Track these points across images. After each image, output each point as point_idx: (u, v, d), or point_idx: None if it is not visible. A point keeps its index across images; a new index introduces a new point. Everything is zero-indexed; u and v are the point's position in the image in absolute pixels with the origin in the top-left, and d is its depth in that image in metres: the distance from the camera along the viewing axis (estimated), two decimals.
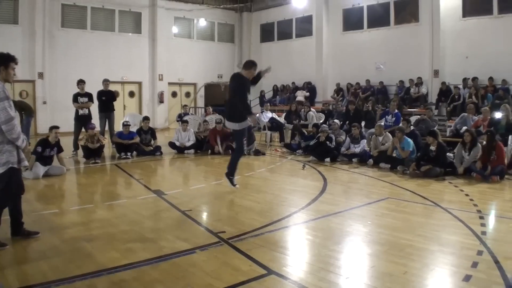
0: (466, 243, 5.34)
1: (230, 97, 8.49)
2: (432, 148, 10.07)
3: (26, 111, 14.85)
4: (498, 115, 12.14)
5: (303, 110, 17.24)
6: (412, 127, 12.36)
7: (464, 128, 12.14)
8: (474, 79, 16.18)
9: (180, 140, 14.13)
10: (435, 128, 12.07)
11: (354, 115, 14.74)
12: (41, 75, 19.50)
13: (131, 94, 23.35)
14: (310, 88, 22.67)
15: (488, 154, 9.59)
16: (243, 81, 8.24)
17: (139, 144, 13.25)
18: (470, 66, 17.05)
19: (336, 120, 14.28)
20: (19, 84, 18.98)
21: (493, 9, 16.73)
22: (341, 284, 4.22)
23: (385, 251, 5.05)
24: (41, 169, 9.76)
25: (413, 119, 14.27)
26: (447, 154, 10.48)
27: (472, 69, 16.84)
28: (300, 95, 21.73)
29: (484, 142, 9.96)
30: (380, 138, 11.71)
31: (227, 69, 26.81)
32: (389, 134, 11.71)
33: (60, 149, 10.40)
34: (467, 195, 8.13)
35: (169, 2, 23.84)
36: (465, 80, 16.70)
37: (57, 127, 10.25)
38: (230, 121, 8.30)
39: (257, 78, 8.53)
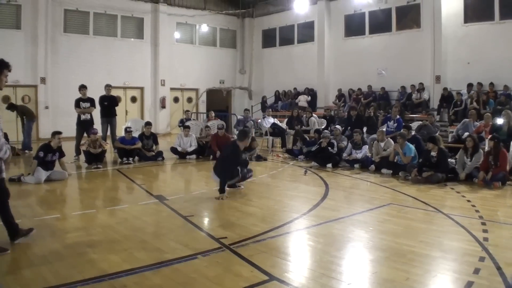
0: (468, 249, 5.33)
1: (222, 158, 9.04)
2: (433, 154, 10.06)
3: (27, 115, 14.91)
4: (499, 121, 12.13)
5: (305, 115, 17.25)
6: (413, 132, 12.38)
7: (466, 134, 12.13)
8: (477, 85, 16.16)
9: (182, 146, 14.13)
10: (436, 134, 12.05)
11: (355, 121, 14.75)
12: (43, 80, 19.54)
13: (133, 99, 23.40)
14: (311, 94, 22.70)
15: (494, 161, 9.57)
16: (236, 152, 8.65)
17: (141, 149, 13.26)
18: (472, 72, 17.05)
19: (337, 126, 14.26)
20: (21, 89, 19.05)
21: (494, 15, 16.74)
22: None
23: (387, 257, 5.05)
24: (43, 174, 9.75)
25: (415, 125, 14.26)
26: (449, 160, 10.46)
27: (474, 74, 16.85)
28: (303, 100, 21.80)
29: (487, 148, 9.95)
30: (382, 144, 11.71)
31: (229, 75, 26.94)
32: (391, 140, 11.70)
33: (62, 154, 10.40)
34: (469, 201, 8.13)
35: (171, 7, 23.93)
36: (469, 85, 16.70)
37: (59, 133, 10.25)
38: (216, 175, 8.68)
39: (250, 148, 8.98)
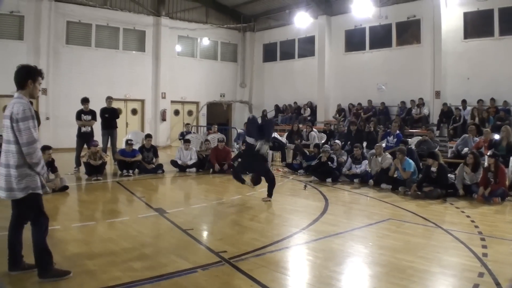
0: (467, 265, 5.34)
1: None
2: (433, 169, 10.09)
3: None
4: (496, 136, 12.18)
5: (305, 130, 17.28)
6: (411, 146, 12.43)
7: (466, 149, 12.18)
8: (479, 101, 16.24)
9: (182, 159, 14.16)
10: (436, 150, 12.08)
11: (355, 135, 14.79)
12: (44, 91, 19.59)
13: (134, 111, 23.46)
14: (311, 108, 22.81)
15: (493, 177, 9.59)
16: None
17: (141, 161, 13.28)
18: (472, 88, 17.16)
19: (337, 141, 14.29)
20: None
21: (494, 31, 16.88)
22: None
23: (386, 273, 5.05)
24: None
25: (414, 140, 14.31)
26: (449, 175, 10.48)
27: (474, 90, 16.96)
28: (307, 113, 22.03)
29: (486, 164, 9.99)
30: (379, 159, 11.73)
31: (230, 88, 27.03)
32: (388, 155, 11.74)
33: (54, 169, 10.24)
34: (468, 216, 8.14)
35: (173, 21, 24.09)
36: (463, 101, 16.85)
37: (49, 148, 10.17)
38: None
39: None
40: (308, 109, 22.80)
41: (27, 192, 4.61)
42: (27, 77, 4.72)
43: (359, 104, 20.39)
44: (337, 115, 21.19)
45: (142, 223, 7.49)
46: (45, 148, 9.94)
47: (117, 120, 14.70)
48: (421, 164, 11.64)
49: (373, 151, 12.49)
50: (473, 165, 9.97)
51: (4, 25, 19.17)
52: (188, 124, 20.05)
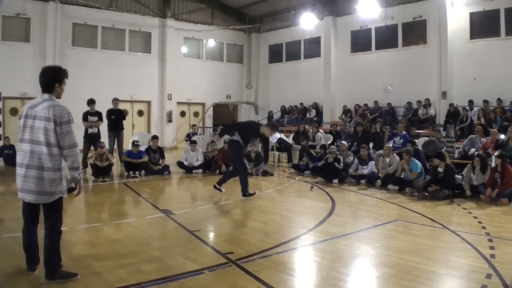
0: (475, 266, 5.31)
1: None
2: (440, 170, 10.06)
3: None
4: (502, 136, 12.14)
5: (311, 131, 17.26)
6: (418, 147, 12.40)
7: (473, 150, 12.13)
8: (484, 102, 16.17)
9: (189, 160, 14.18)
10: (443, 150, 12.05)
11: (362, 136, 14.76)
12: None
13: (140, 113, 23.52)
14: (317, 109, 22.81)
15: (500, 178, 9.56)
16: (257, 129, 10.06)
17: (147, 163, 13.31)
18: (478, 88, 17.10)
19: (344, 142, 14.26)
20: (28, 101, 19.15)
21: (500, 31, 16.82)
22: None
23: (393, 274, 5.04)
24: None
25: (421, 140, 14.26)
26: (456, 176, 10.45)
27: (480, 90, 16.90)
28: (313, 114, 22.09)
29: (493, 164, 9.95)
30: (387, 159, 11.71)
31: (236, 89, 27.06)
32: (396, 156, 11.70)
33: None
34: (475, 217, 8.11)
35: (179, 22, 24.13)
36: (470, 102, 16.79)
37: None
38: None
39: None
40: (313, 110, 22.77)
41: (57, 196, 4.62)
42: (54, 80, 4.71)
43: (365, 105, 20.34)
44: (343, 116, 21.15)
45: (149, 224, 7.51)
46: None
47: (124, 122, 14.76)
48: (427, 164, 11.61)
49: (380, 151, 12.47)
50: (481, 167, 9.93)
51: (10, 27, 19.25)
52: (194, 125, 20.08)
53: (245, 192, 9.72)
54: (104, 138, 13.86)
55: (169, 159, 15.31)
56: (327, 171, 12.57)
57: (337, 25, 22.79)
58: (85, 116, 13.52)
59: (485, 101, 16.19)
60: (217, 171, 13.77)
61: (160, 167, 13.65)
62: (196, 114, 26.01)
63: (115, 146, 14.42)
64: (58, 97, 4.82)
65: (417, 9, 19.32)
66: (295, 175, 13.96)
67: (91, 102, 13.67)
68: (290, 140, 17.09)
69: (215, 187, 10.01)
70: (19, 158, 4.57)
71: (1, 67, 17.84)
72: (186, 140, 17.88)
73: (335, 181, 12.25)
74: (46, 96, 4.65)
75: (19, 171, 4.54)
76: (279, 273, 5.07)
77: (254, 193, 9.91)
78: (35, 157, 4.46)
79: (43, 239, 4.69)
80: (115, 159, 13.50)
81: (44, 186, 4.49)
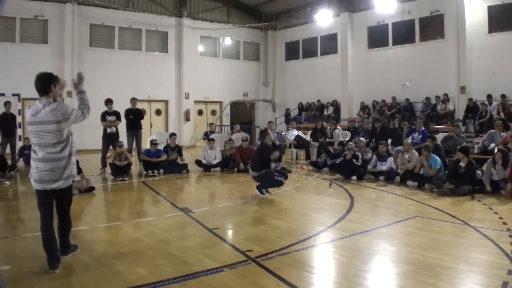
0: (496, 262, 5.26)
1: (258, 157, 10.23)
2: (462, 164, 9.97)
3: None
4: None
5: (329, 127, 17.20)
6: (438, 142, 12.29)
7: (492, 145, 11.99)
8: (501, 97, 15.98)
9: (207, 158, 14.22)
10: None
11: (380, 132, 14.65)
12: (69, 94, 19.79)
13: (158, 112, 23.65)
14: (335, 106, 22.73)
15: None
16: (267, 148, 10.02)
17: (165, 162, 13.37)
18: (497, 82, 16.87)
19: (362, 138, 14.20)
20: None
21: None
22: None
23: (414, 271, 5.01)
24: None
25: (440, 136, 14.12)
26: (476, 171, 10.34)
27: (499, 85, 16.66)
28: (331, 111, 22.06)
29: None
30: (407, 156, 11.63)
31: (253, 87, 27.05)
32: (415, 152, 11.61)
33: (79, 170, 10.25)
34: (496, 213, 8.02)
35: (195, 21, 24.21)
36: (488, 96, 16.57)
37: None
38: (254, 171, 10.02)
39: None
40: (331, 107, 22.69)
41: (71, 179, 5.14)
42: (49, 82, 5.18)
43: (383, 101, 20.20)
44: (361, 112, 21.04)
45: (168, 222, 7.54)
46: None
47: (142, 121, 14.86)
48: (447, 160, 11.50)
49: (399, 148, 12.39)
50: (503, 162, 9.81)
51: (29, 29, 19.50)
52: (212, 123, 20.12)
53: (261, 188, 9.80)
54: (123, 137, 13.96)
55: (187, 157, 15.36)
56: (345, 168, 12.53)
57: (354, 21, 22.67)
58: (103, 116, 13.63)
59: (503, 96, 15.97)
60: (235, 169, 13.81)
61: (180, 162, 13.78)
62: (213, 112, 26.09)
63: (134, 146, 14.51)
64: (55, 99, 5.23)
65: (434, 3, 19.11)
66: (313, 172, 13.92)
67: (108, 101, 13.78)
68: (308, 137, 17.06)
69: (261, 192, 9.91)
70: (39, 157, 4.97)
71: (20, 68, 18.06)
72: (204, 139, 17.94)
73: (354, 178, 12.20)
74: (44, 100, 5.09)
75: (38, 165, 4.95)
76: (299, 270, 5.07)
77: (266, 196, 9.78)
78: (52, 158, 4.96)
79: (58, 225, 5.27)
80: (134, 158, 13.60)
81: (65, 172, 5.01)
